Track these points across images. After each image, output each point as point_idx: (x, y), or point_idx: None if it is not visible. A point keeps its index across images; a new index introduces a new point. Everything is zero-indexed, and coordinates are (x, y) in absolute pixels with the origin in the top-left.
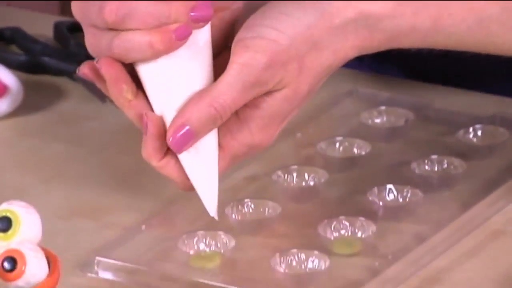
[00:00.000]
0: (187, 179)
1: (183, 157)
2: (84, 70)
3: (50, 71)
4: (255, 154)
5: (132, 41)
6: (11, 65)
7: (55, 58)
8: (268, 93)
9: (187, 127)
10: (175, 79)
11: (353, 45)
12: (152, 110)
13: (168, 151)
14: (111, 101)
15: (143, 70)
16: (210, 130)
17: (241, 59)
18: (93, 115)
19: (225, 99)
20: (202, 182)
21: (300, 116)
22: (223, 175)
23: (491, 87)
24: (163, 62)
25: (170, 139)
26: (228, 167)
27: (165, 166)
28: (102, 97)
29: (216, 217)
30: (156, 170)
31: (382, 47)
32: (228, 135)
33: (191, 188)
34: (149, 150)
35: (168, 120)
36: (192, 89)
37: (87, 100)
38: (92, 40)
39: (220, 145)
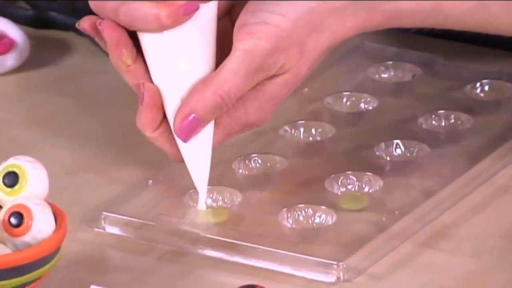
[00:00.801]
0: (179, 152)
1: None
2: (84, 25)
3: (57, 25)
4: (249, 131)
5: (139, 12)
6: (18, 20)
7: (62, 13)
8: (269, 77)
9: (193, 116)
10: (177, 53)
11: (352, 26)
12: (150, 79)
13: (162, 123)
14: None
15: (146, 40)
16: (216, 116)
17: (245, 45)
18: (100, 69)
19: (230, 86)
20: (195, 162)
21: None
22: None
23: (498, 42)
24: (167, 34)
25: (178, 127)
26: (221, 143)
27: (158, 137)
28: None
29: (203, 203)
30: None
31: (381, 26)
32: (224, 113)
33: (182, 160)
34: (143, 121)
35: (165, 92)
36: (194, 65)
37: (93, 55)
38: (97, 2)
39: (215, 121)
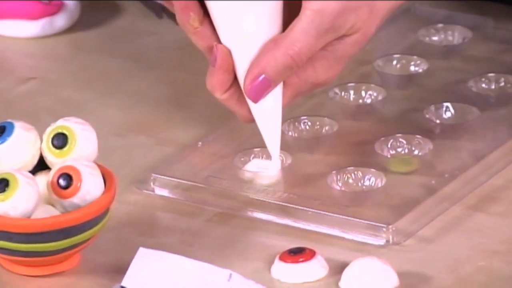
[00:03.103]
0: (250, 113)
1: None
2: None
3: None
4: (318, 88)
5: None
6: None
7: None
8: (339, 37)
9: (263, 76)
10: (245, 13)
11: None
12: (218, 40)
13: (233, 84)
14: (168, 17)
15: (213, 2)
16: (286, 77)
17: (315, 5)
18: (150, 31)
19: (300, 47)
20: (266, 122)
21: None
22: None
23: None
24: None
25: (248, 88)
26: (290, 103)
27: (228, 98)
28: (159, 13)
29: (278, 162)
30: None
31: None
32: (293, 74)
33: (252, 121)
34: (214, 82)
35: (234, 53)
36: (262, 25)
37: (143, 16)
38: None
39: (284, 82)
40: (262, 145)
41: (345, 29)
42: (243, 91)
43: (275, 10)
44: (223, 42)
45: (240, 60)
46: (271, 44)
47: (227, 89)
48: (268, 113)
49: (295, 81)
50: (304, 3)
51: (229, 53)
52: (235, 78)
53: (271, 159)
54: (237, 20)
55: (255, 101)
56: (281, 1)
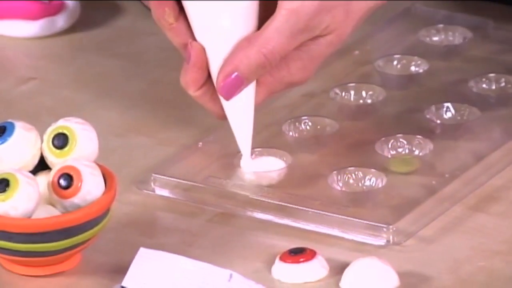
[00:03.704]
0: (222, 110)
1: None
2: None
3: None
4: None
5: None
6: None
7: None
8: (313, 38)
9: (236, 74)
10: (220, 11)
11: None
12: (193, 37)
13: (206, 82)
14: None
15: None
16: (259, 76)
17: (290, 5)
18: (150, 31)
19: (274, 45)
20: (238, 120)
21: (358, 34)
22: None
23: None
24: None
25: (221, 85)
26: (263, 102)
27: (202, 96)
28: None
29: (248, 160)
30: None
31: None
32: (266, 73)
33: (225, 118)
34: (188, 79)
35: (208, 51)
36: (237, 23)
37: (144, 16)
38: None
39: (257, 81)
40: (262, 145)
41: (320, 30)
42: (217, 88)
43: (250, 9)
44: (198, 39)
45: (214, 58)
46: (245, 42)
47: (201, 86)
48: (240, 111)
49: (269, 80)
50: (279, 3)
51: (203, 50)
52: (209, 75)
53: (271, 158)
54: (212, 18)
55: (227, 98)
56: (257, 0)
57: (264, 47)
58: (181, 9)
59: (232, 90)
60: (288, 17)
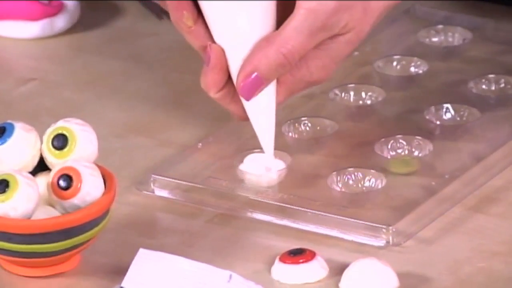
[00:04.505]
0: (244, 111)
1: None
2: None
3: None
4: (312, 86)
5: None
6: None
7: None
8: (332, 36)
9: (255, 74)
10: (238, 12)
11: None
12: (212, 39)
13: (227, 83)
14: (168, 18)
15: (206, 1)
16: (279, 75)
17: (309, 4)
18: (150, 32)
19: (293, 45)
20: (259, 120)
21: None
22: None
23: None
24: None
25: (241, 86)
26: (284, 101)
27: (223, 97)
28: (159, 14)
29: (272, 157)
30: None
31: None
32: (286, 73)
33: (247, 119)
34: (208, 81)
35: (228, 52)
36: (255, 24)
37: (143, 17)
38: None
39: (277, 80)
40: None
41: (338, 28)
42: (237, 88)
43: (268, 9)
44: (217, 41)
45: (234, 59)
46: (264, 42)
47: (221, 88)
48: (261, 111)
49: (289, 79)
50: (297, 2)
51: (222, 52)
52: (229, 77)
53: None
54: (230, 19)
55: (248, 98)
56: (275, 1)
57: (283, 46)
58: (199, 12)
59: (252, 90)
60: (306, 16)
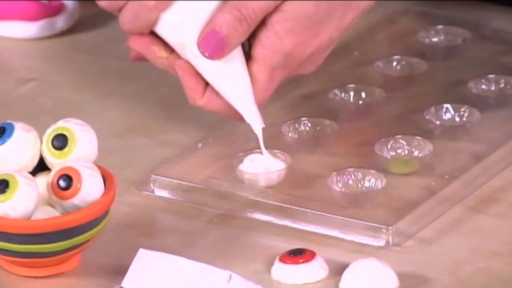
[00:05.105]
0: (234, 109)
1: (215, 78)
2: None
3: None
4: (295, 66)
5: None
6: None
7: None
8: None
9: (214, 29)
10: (184, 26)
11: None
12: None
13: (207, 88)
14: None
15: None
16: (239, 35)
17: None
18: None
19: (249, 2)
20: (239, 98)
21: (357, 34)
22: (277, 92)
23: None
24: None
25: (200, 41)
26: (270, 80)
27: (209, 101)
28: None
29: (261, 125)
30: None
31: None
32: (258, 45)
33: (239, 118)
34: (190, 92)
35: (193, 63)
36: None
37: None
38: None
39: (253, 57)
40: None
41: None
42: (198, 49)
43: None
44: (185, 58)
45: (200, 64)
46: (221, 5)
47: (203, 92)
48: (233, 77)
49: (262, 53)
50: None
51: (187, 63)
52: (208, 84)
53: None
54: (179, 34)
55: (212, 56)
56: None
57: (239, 4)
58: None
59: (213, 47)
60: None
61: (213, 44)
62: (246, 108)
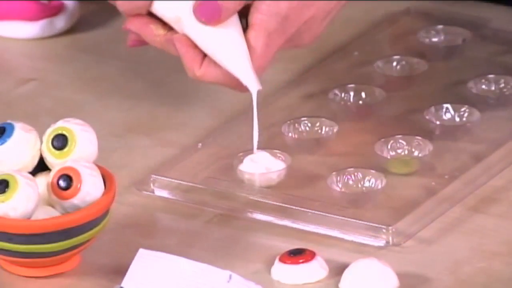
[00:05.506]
0: (231, 75)
1: (212, 47)
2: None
3: None
4: (292, 32)
5: None
6: None
7: None
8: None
9: None
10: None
11: None
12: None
13: (205, 58)
14: None
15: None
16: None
17: None
18: None
19: None
20: (235, 62)
21: (357, 34)
22: (277, 92)
23: None
24: None
25: (197, 9)
26: (267, 46)
27: (207, 71)
28: None
29: (257, 87)
30: (209, 85)
31: None
32: (254, 12)
33: (237, 85)
34: (188, 63)
35: (191, 36)
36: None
37: None
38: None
39: (250, 24)
40: (262, 147)
41: None
42: (195, 16)
43: None
44: (183, 32)
45: (198, 37)
46: None
47: (201, 61)
48: (231, 47)
49: (259, 18)
50: None
51: (185, 36)
52: (205, 56)
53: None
54: (175, 8)
55: (207, 21)
56: None
57: None
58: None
59: (210, 12)
60: None
61: (209, 10)
62: (242, 70)
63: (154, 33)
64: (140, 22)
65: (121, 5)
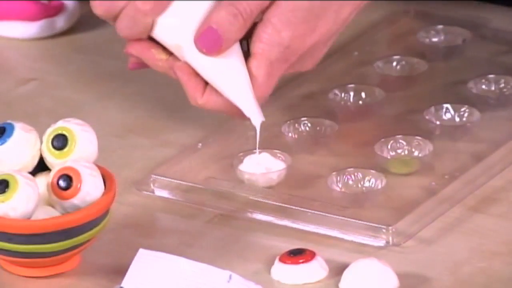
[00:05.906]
0: (234, 104)
1: (214, 76)
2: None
3: None
4: (293, 60)
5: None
6: None
7: None
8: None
9: (210, 26)
10: (177, 29)
11: None
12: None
13: (207, 86)
14: None
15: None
16: (235, 30)
17: None
18: None
19: (244, 0)
20: (238, 93)
21: (357, 34)
22: (277, 92)
23: None
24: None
25: (197, 39)
26: (269, 75)
27: (209, 99)
28: None
29: (260, 119)
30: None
31: None
32: (256, 41)
33: (240, 114)
34: (190, 91)
35: (191, 63)
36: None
37: None
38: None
39: (252, 53)
40: (262, 147)
41: None
42: (196, 47)
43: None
44: (184, 60)
45: (197, 63)
46: (217, 4)
47: (203, 90)
48: (233, 77)
49: (261, 47)
50: None
51: (186, 64)
52: (207, 84)
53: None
54: (177, 36)
55: (209, 52)
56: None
57: (236, 1)
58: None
59: (211, 43)
60: None
61: (210, 40)
62: (245, 102)
63: (156, 57)
64: (141, 46)
65: (121, 31)
